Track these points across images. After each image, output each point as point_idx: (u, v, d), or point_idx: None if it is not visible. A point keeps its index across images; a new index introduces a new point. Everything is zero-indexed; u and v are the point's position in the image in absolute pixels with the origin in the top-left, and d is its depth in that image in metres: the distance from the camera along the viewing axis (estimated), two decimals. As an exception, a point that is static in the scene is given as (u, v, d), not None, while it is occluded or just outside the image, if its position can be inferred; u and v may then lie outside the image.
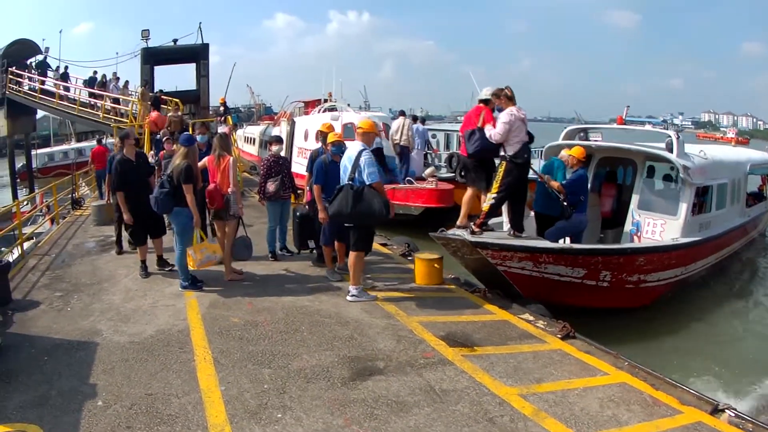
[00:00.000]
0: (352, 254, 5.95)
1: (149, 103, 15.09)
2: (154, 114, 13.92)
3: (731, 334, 7.48)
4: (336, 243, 6.73)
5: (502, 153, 6.36)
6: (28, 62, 21.25)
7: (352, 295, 5.97)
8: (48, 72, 20.80)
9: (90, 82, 19.49)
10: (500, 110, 6.40)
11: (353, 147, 5.85)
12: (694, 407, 3.97)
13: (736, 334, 7.50)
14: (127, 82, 19.55)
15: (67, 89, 19.58)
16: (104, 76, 19.39)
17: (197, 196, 6.15)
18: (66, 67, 20.94)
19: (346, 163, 5.85)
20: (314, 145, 7.03)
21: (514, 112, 6.22)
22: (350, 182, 5.71)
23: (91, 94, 18.66)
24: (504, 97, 6.35)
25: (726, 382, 5.90)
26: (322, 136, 7.15)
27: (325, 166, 6.44)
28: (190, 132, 10.87)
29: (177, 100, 16.01)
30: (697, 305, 8.18)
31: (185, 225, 6.21)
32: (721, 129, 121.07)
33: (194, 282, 6.34)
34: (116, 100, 18.05)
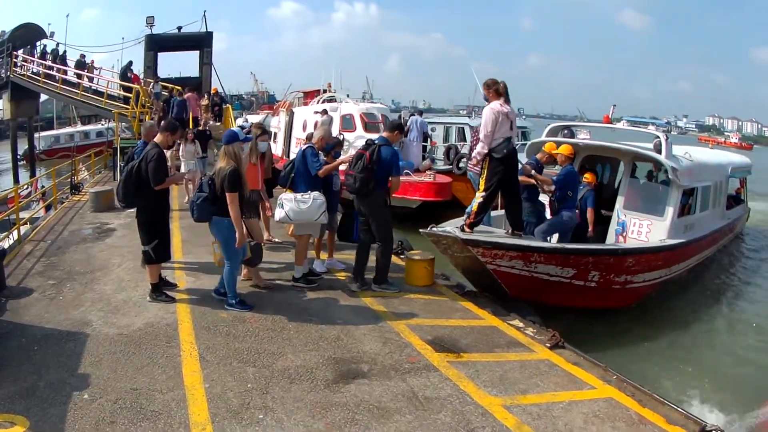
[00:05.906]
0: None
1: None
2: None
3: (721, 345, 7.42)
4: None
5: (485, 150, 6.18)
6: (46, 50, 21.38)
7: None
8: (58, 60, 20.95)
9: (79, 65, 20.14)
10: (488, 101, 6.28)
11: None
12: (680, 427, 3.89)
13: (724, 346, 7.41)
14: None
15: (65, 73, 19.83)
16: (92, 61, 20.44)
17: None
18: (64, 51, 21.25)
19: None
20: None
21: (496, 106, 6.09)
22: None
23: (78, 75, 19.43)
24: (493, 92, 6.19)
25: (715, 399, 5.77)
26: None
27: None
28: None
29: (179, 87, 15.99)
30: (689, 309, 8.25)
31: (228, 237, 5.32)
32: (725, 133, 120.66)
33: (242, 304, 5.62)
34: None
